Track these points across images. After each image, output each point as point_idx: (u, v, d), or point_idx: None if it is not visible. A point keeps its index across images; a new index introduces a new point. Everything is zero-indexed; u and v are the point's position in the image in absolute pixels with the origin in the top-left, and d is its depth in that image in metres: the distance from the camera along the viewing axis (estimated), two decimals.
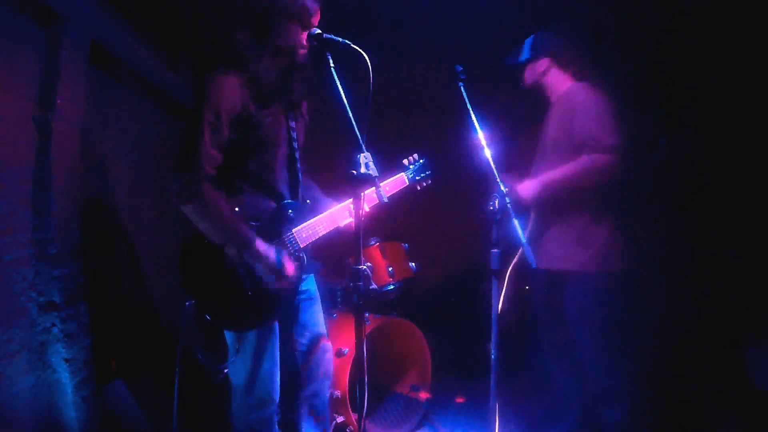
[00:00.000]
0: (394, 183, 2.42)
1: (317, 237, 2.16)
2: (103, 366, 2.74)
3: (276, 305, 2.06)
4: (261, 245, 1.96)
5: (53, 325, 2.44)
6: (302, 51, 2.04)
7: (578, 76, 2.70)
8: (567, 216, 2.63)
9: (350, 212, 2.22)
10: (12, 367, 2.22)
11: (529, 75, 2.79)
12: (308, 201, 2.23)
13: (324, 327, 2.36)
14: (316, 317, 2.32)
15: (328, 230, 2.18)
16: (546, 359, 2.93)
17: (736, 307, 3.42)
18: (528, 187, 2.63)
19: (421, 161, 2.51)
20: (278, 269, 1.99)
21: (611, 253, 2.57)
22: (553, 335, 2.81)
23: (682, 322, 3.38)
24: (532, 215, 2.78)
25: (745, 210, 3.42)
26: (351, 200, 2.20)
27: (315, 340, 2.30)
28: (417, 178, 2.48)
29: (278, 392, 2.12)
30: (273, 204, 2.09)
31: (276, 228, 2.07)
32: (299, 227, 2.12)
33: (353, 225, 2.19)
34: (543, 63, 2.73)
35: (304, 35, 2.01)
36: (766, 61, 3.23)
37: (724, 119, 3.46)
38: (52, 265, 2.43)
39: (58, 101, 2.47)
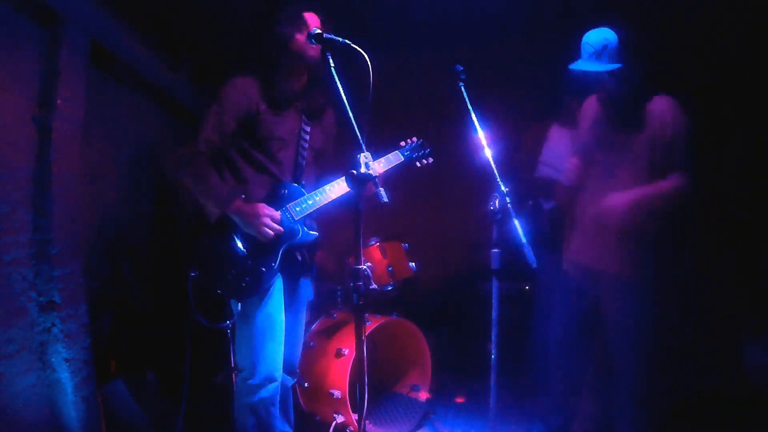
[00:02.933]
0: (387, 160, 2.49)
1: (314, 209, 2.28)
2: (103, 366, 2.74)
3: (271, 267, 2.18)
4: (238, 201, 2.15)
5: (53, 325, 2.44)
6: (314, 60, 2.22)
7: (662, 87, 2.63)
8: (630, 225, 2.55)
9: (342, 188, 2.33)
10: (12, 367, 2.22)
11: (623, 85, 2.53)
12: (303, 183, 2.36)
13: (303, 324, 2.52)
14: (300, 314, 2.48)
15: (324, 202, 2.30)
16: (557, 362, 2.90)
17: (736, 307, 3.42)
18: (619, 202, 2.50)
19: (418, 142, 2.59)
20: (256, 214, 2.12)
21: (658, 258, 2.59)
22: (573, 333, 2.78)
23: (681, 322, 3.38)
24: (575, 214, 2.72)
25: (745, 210, 3.43)
26: (341, 178, 2.33)
27: (292, 333, 2.41)
28: (414, 155, 2.55)
29: (281, 371, 2.23)
30: (272, 188, 2.28)
31: (270, 205, 2.20)
32: (293, 203, 2.26)
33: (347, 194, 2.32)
34: (638, 71, 2.53)
35: (317, 49, 2.15)
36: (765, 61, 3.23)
37: (724, 118, 3.46)
38: (52, 265, 2.43)
39: (58, 101, 2.47)
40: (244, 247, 2.16)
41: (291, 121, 2.33)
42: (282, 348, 2.23)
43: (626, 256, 2.57)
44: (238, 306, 2.16)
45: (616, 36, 2.49)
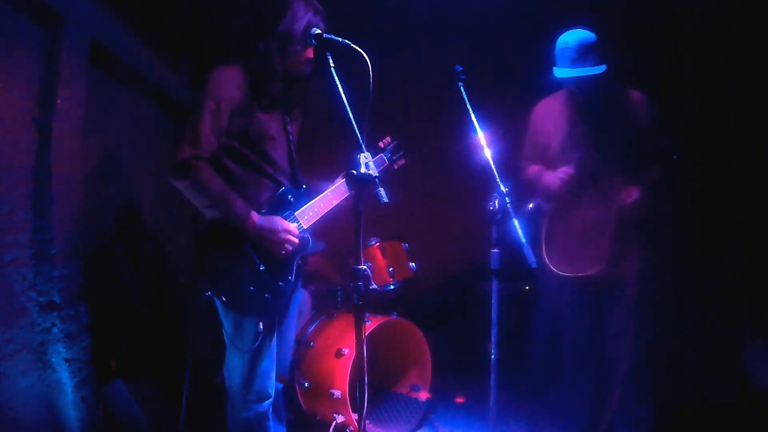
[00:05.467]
0: (376, 164, 2.48)
1: (319, 216, 2.24)
2: (103, 366, 2.74)
3: (288, 281, 2.13)
4: (255, 216, 2.03)
5: (53, 325, 2.44)
6: (304, 66, 2.16)
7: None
8: (632, 223, 2.58)
9: (342, 192, 2.31)
10: (12, 367, 2.22)
11: (602, 85, 2.54)
12: (304, 186, 2.29)
13: (294, 325, 2.46)
14: (291, 320, 2.40)
15: (328, 209, 2.26)
16: (569, 363, 2.88)
17: (736, 306, 3.42)
18: (633, 194, 2.53)
19: (394, 143, 2.59)
20: (275, 230, 2.05)
21: (658, 256, 2.62)
22: (583, 340, 2.77)
23: (681, 322, 3.39)
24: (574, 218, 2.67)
25: (745, 209, 3.43)
26: (341, 182, 2.31)
27: (286, 336, 2.37)
28: (393, 158, 2.58)
29: (274, 387, 2.19)
30: (273, 192, 2.17)
31: (279, 213, 2.13)
32: (300, 210, 2.19)
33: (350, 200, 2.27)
34: (611, 68, 2.52)
35: (309, 52, 2.13)
36: (765, 62, 3.23)
37: (724, 118, 3.46)
38: (52, 265, 2.43)
39: (58, 101, 2.47)
40: (260, 262, 2.05)
41: (276, 117, 2.21)
42: (274, 363, 2.17)
43: (624, 256, 2.57)
44: (259, 326, 2.06)
45: (594, 36, 2.50)
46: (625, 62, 2.63)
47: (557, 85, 2.70)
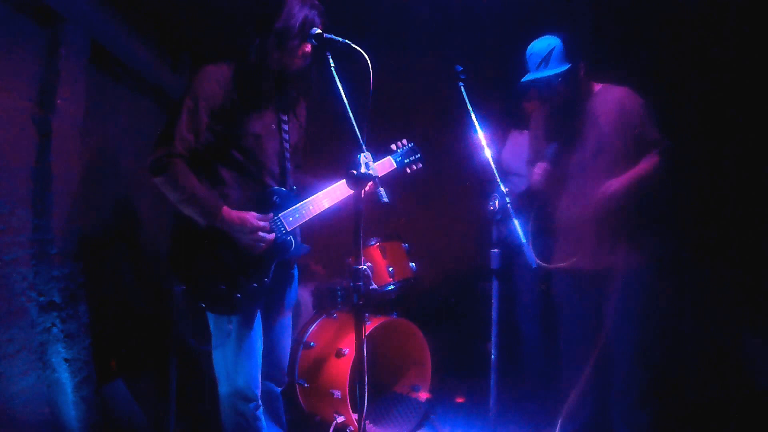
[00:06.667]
0: (381, 166, 2.41)
1: (306, 219, 2.19)
2: (103, 366, 2.74)
3: (263, 283, 2.08)
4: (226, 211, 2.00)
5: (53, 325, 2.44)
6: (301, 62, 2.13)
7: (599, 77, 2.68)
8: (615, 216, 2.57)
9: (336, 196, 2.26)
10: (12, 367, 2.22)
11: (571, 85, 2.59)
12: (295, 188, 2.25)
13: (290, 328, 2.42)
14: (286, 321, 2.38)
15: (314, 213, 2.21)
16: (565, 358, 2.88)
17: (736, 306, 3.42)
18: (611, 187, 2.53)
19: (409, 146, 2.52)
20: (244, 228, 2.01)
21: (652, 252, 2.59)
22: (581, 334, 2.77)
23: (681, 321, 3.39)
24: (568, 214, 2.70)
25: (745, 208, 3.42)
26: (336, 185, 2.26)
27: (280, 339, 2.35)
28: (406, 161, 2.48)
29: (259, 388, 2.17)
30: (258, 193, 2.14)
31: (261, 213, 2.09)
32: (285, 212, 2.15)
33: (338, 205, 2.25)
34: (581, 68, 2.58)
35: (306, 47, 2.10)
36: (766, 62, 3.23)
37: (724, 118, 3.46)
38: (52, 265, 2.43)
39: (58, 101, 2.47)
40: (234, 261, 2.03)
41: (267, 116, 2.16)
42: (259, 364, 2.15)
43: (621, 252, 2.57)
44: (229, 324, 2.06)
45: (559, 40, 2.53)
46: (600, 59, 2.64)
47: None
